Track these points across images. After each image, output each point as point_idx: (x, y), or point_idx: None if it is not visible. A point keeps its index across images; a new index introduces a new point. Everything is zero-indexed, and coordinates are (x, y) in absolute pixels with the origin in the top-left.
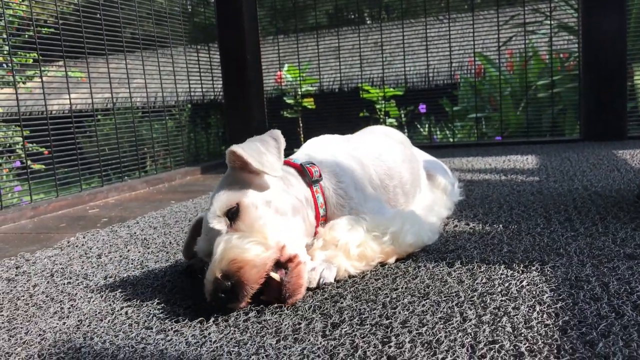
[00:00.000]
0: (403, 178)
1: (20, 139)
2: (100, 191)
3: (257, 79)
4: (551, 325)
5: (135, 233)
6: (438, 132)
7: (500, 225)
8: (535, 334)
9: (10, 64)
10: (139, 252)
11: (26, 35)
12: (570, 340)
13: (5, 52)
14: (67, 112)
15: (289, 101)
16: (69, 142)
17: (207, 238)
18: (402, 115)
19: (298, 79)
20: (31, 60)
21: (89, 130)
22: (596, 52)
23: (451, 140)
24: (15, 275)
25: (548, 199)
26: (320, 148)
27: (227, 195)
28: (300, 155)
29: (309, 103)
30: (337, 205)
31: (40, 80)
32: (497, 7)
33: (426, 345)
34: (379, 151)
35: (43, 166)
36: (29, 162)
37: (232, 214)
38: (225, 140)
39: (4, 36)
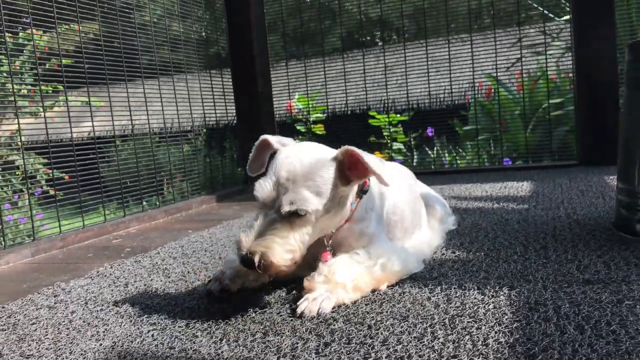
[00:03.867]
0: (405, 214)
1: (42, 166)
2: (122, 221)
3: (268, 107)
4: (504, 343)
5: (157, 263)
6: (447, 155)
7: (482, 253)
8: (489, 350)
9: (35, 93)
10: (161, 281)
11: (47, 66)
12: (516, 355)
13: (27, 84)
14: (87, 140)
15: (300, 128)
16: (91, 169)
17: (269, 191)
18: (411, 140)
19: (308, 107)
20: (51, 89)
21: (107, 156)
22: (589, 78)
23: (459, 162)
24: (55, 303)
25: (531, 227)
26: None
27: (305, 195)
28: None
29: (319, 129)
30: (356, 219)
31: (63, 108)
32: (493, 30)
33: (399, 359)
34: (391, 187)
35: (61, 193)
36: (54, 192)
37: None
38: (240, 164)
39: (27, 67)
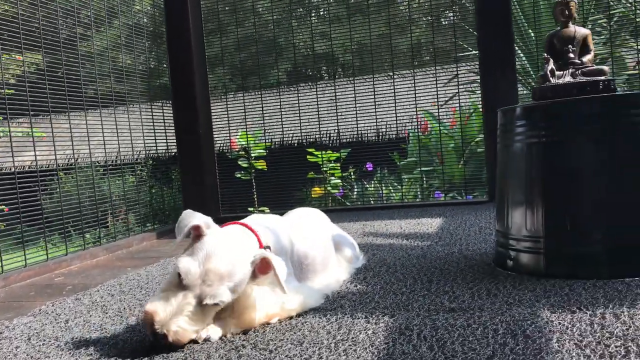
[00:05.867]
0: (316, 259)
1: None
2: (64, 259)
3: (209, 141)
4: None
5: (96, 300)
6: (384, 189)
7: (379, 286)
8: None
9: None
10: (99, 317)
11: None
12: None
13: None
14: (27, 170)
15: (242, 164)
16: (31, 202)
17: (195, 277)
18: (351, 174)
19: (249, 144)
20: None
21: (50, 188)
22: (494, 121)
23: (394, 196)
24: (0, 340)
25: (427, 262)
26: (271, 224)
27: (224, 291)
28: (259, 226)
29: (260, 165)
30: None
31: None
32: (413, 69)
33: None
34: (303, 234)
35: (3, 225)
36: None
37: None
38: (181, 196)
39: None
